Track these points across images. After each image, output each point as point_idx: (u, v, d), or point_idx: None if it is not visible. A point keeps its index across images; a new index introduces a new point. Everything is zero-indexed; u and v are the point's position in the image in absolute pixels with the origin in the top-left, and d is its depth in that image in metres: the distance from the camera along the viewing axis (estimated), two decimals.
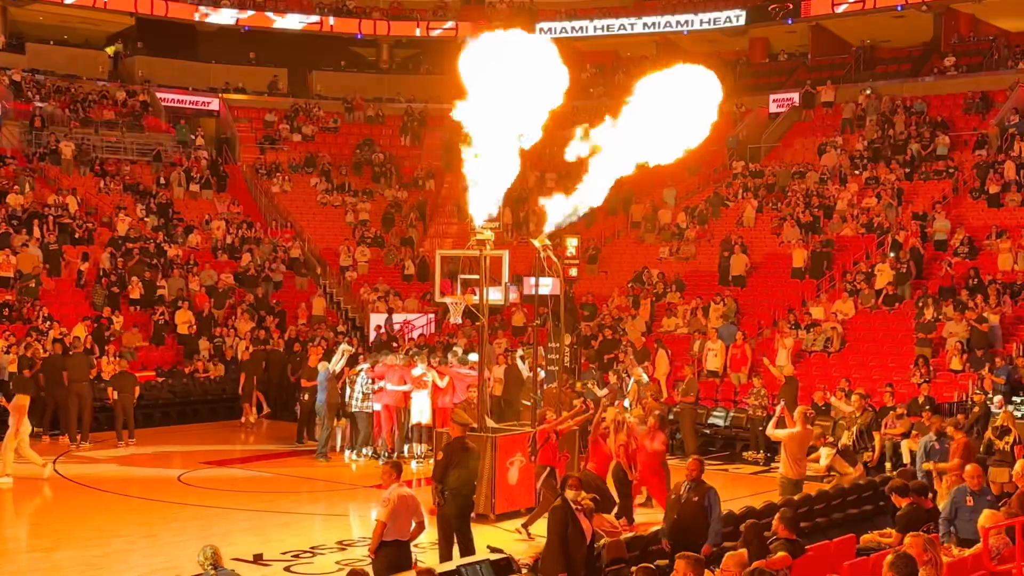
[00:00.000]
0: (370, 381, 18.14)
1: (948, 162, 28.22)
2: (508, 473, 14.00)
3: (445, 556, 10.95)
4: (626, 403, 17.97)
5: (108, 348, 22.48)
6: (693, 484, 10.56)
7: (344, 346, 19.69)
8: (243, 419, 22.18)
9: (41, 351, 20.39)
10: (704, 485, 10.57)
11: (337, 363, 18.74)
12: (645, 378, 19.60)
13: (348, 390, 18.53)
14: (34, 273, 24.89)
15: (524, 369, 19.14)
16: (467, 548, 11.02)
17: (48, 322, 23.07)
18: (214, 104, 37.26)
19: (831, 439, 15.83)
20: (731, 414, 20.29)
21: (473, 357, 19.29)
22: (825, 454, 15.01)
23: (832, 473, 14.73)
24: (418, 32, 40.64)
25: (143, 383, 21.28)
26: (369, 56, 42.78)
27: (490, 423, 14.97)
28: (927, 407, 17.61)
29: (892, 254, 24.41)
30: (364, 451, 18.26)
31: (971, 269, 23.04)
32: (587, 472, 13.16)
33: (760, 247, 27.61)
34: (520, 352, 20.39)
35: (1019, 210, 25.24)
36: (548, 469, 13.32)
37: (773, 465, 16.73)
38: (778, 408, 14.39)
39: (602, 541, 9.88)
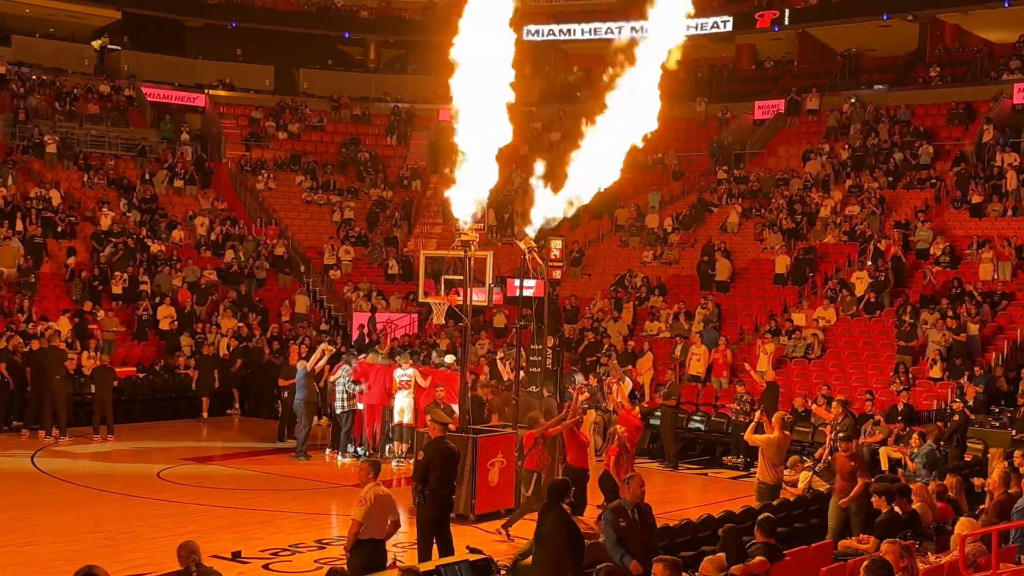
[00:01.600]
0: (351, 382, 18.13)
1: (931, 171, 28.40)
2: (488, 474, 14.02)
3: (424, 556, 10.95)
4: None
5: (90, 343, 22.42)
6: (639, 505, 9.60)
7: (324, 345, 19.63)
8: (204, 414, 22.47)
9: (22, 345, 20.34)
10: (644, 503, 9.71)
11: (316, 362, 18.68)
12: (628, 383, 19.61)
13: (330, 391, 18.52)
14: (24, 266, 24.85)
15: (503, 370, 19.14)
16: (447, 548, 11.03)
17: (26, 315, 23.02)
18: (200, 100, 37.18)
19: (808, 463, 15.90)
20: (711, 418, 20.35)
21: (449, 359, 19.31)
22: (803, 478, 15.07)
23: (811, 492, 14.79)
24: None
25: (123, 378, 21.21)
26: (356, 55, 42.77)
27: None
28: (904, 415, 17.71)
29: (870, 262, 24.55)
30: (350, 449, 18.26)
31: (953, 279, 23.19)
32: (570, 467, 13.12)
33: (743, 253, 27.72)
34: (500, 354, 20.39)
35: (1001, 220, 25.42)
36: (536, 474, 13.30)
37: (752, 470, 16.77)
38: (757, 413, 14.45)
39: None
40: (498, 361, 19.68)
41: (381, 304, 27.65)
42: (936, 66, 33.45)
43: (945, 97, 31.66)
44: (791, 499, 13.25)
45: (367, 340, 24.59)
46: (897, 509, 10.51)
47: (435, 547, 11.13)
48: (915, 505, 10.93)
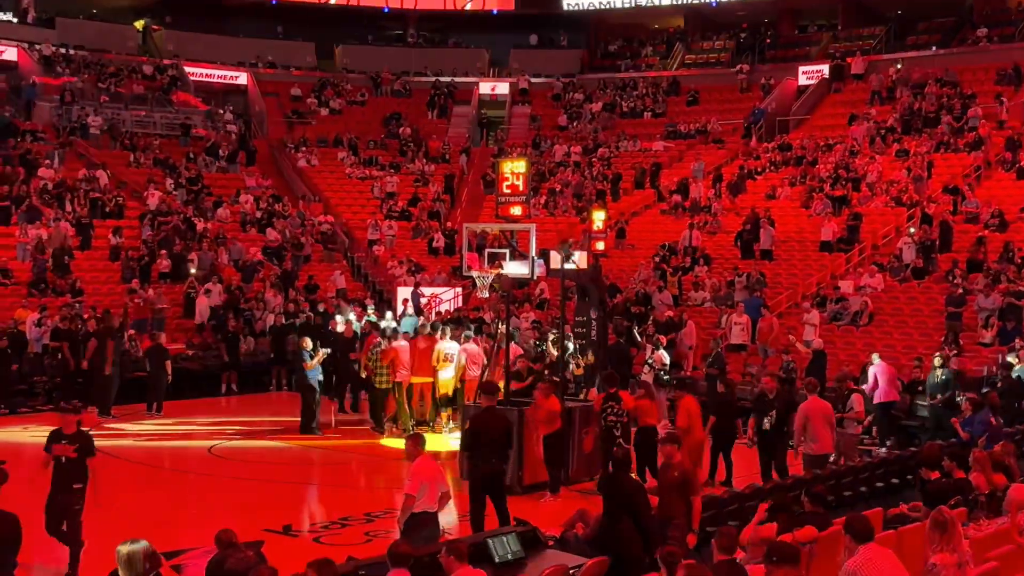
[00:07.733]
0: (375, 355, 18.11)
1: (980, 134, 27.94)
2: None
3: (476, 525, 10.99)
4: None
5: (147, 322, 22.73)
6: None
7: (365, 319, 19.56)
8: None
9: (80, 323, 20.64)
10: None
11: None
12: (663, 354, 19.47)
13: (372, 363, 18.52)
14: (67, 246, 25.13)
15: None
16: (502, 518, 11.04)
17: (78, 296, 23.34)
18: (242, 78, 37.37)
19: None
20: (756, 387, 20.18)
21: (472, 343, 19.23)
22: None
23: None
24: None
25: (173, 355, 21.44)
26: (396, 30, 42.76)
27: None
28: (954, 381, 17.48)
29: (912, 230, 24.22)
30: (393, 422, 18.30)
31: (1003, 243, 22.84)
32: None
33: (789, 220, 27.44)
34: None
35: None
36: None
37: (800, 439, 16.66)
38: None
39: None
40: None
41: (425, 279, 27.71)
42: (984, 27, 32.86)
43: (993, 58, 31.12)
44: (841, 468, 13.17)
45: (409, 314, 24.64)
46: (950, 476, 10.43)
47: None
48: (972, 473, 10.82)
